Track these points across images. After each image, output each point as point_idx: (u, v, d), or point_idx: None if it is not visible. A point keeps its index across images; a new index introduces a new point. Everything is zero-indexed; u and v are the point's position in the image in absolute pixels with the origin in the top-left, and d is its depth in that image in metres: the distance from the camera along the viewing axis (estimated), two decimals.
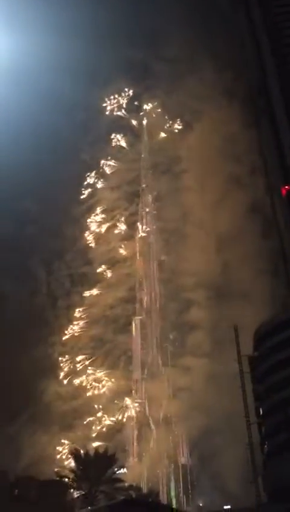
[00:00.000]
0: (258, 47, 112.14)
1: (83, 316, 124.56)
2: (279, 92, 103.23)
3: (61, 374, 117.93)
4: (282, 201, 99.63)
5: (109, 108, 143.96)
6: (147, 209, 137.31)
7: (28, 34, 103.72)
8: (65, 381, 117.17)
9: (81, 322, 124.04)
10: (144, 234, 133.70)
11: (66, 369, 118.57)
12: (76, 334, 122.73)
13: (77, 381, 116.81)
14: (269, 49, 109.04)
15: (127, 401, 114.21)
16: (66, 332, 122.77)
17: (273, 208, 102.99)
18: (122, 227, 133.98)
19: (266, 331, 77.64)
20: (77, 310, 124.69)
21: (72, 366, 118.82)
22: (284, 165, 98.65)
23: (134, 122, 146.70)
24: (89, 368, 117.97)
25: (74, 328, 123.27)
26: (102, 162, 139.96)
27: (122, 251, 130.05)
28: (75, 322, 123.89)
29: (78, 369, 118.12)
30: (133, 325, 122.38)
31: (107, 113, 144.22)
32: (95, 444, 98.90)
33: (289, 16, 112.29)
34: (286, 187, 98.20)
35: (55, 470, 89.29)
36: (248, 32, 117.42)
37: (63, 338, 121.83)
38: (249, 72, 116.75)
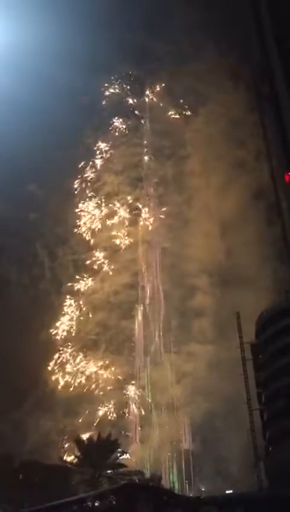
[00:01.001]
0: (261, 32, 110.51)
1: (86, 302, 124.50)
2: (282, 78, 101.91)
3: (65, 361, 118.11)
4: (286, 188, 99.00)
5: (110, 92, 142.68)
6: (149, 196, 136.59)
7: (26, 19, 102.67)
8: (69, 367, 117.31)
9: (85, 308, 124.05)
10: (146, 221, 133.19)
11: (69, 356, 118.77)
12: (79, 320, 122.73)
13: (80, 368, 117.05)
14: (272, 35, 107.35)
15: (130, 387, 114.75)
16: (70, 318, 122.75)
17: (277, 194, 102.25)
18: (125, 212, 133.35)
19: (267, 318, 77.89)
20: (81, 296, 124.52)
21: (75, 353, 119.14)
22: (288, 151, 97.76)
23: (137, 107, 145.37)
24: (92, 354, 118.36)
25: (77, 314, 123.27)
26: (105, 146, 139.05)
27: (126, 237, 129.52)
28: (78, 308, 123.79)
29: (81, 355, 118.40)
30: (138, 312, 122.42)
31: (108, 97, 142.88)
32: (98, 430, 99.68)
33: None
34: None
35: (59, 455, 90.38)
36: (251, 19, 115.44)
37: (67, 324, 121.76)
38: (252, 57, 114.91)
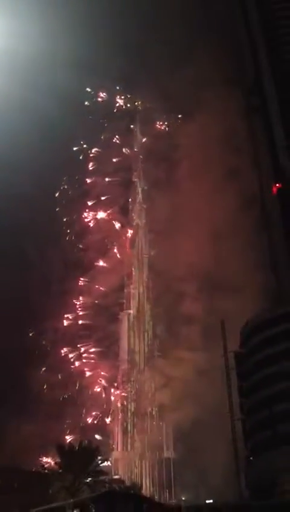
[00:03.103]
0: (254, 46, 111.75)
1: (75, 304, 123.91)
2: (273, 91, 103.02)
3: (50, 363, 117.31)
4: (273, 199, 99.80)
5: (103, 94, 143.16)
6: (138, 201, 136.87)
7: (22, 20, 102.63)
8: (54, 370, 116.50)
9: (74, 310, 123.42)
10: (136, 224, 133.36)
11: (55, 358, 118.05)
12: (68, 321, 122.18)
13: (65, 371, 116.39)
14: (265, 49, 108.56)
15: (114, 393, 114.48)
16: (58, 319, 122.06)
17: (264, 206, 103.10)
18: (116, 214, 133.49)
19: (251, 328, 78.13)
20: (70, 297, 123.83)
21: (62, 355, 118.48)
22: (276, 164, 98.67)
23: (129, 109, 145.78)
24: (79, 356, 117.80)
25: (67, 316, 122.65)
26: (97, 148, 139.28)
27: (115, 239, 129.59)
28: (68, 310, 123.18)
29: (69, 357, 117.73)
30: (124, 318, 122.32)
31: (101, 99, 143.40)
32: (80, 436, 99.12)
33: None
34: (277, 185, 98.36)
35: (39, 461, 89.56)
36: (243, 28, 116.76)
37: (55, 325, 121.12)
38: (244, 70, 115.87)
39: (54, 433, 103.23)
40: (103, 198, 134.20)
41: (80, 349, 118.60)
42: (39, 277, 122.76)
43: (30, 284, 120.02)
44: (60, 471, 74.75)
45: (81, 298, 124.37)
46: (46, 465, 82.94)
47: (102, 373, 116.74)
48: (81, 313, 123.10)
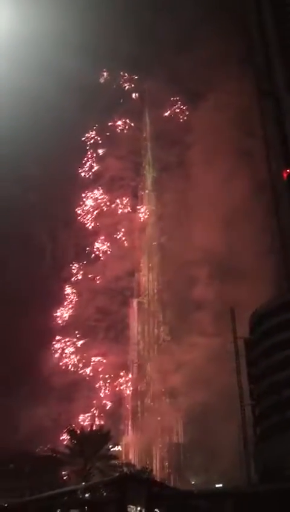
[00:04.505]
0: (263, 27, 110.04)
1: (86, 288, 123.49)
2: (283, 74, 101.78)
3: (61, 347, 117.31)
4: (284, 185, 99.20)
5: (112, 76, 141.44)
6: (149, 186, 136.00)
7: (25, 6, 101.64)
8: (65, 355, 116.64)
9: (85, 294, 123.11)
10: (146, 209, 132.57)
11: (67, 342, 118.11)
12: (79, 306, 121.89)
13: (77, 356, 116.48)
14: (275, 31, 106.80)
15: (125, 378, 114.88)
16: (69, 303, 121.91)
17: (274, 192, 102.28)
18: (127, 198, 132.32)
19: (261, 315, 78.23)
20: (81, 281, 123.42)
21: (73, 340, 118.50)
22: (287, 150, 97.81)
23: (140, 91, 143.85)
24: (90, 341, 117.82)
25: (77, 300, 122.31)
26: (107, 132, 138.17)
27: (125, 225, 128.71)
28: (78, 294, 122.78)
29: (78, 342, 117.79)
30: (134, 303, 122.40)
31: (110, 82, 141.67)
32: (91, 421, 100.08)
33: None
34: (288, 171, 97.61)
35: (51, 445, 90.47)
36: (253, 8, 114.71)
37: (66, 309, 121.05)
38: (253, 54, 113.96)
39: (65, 418, 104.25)
40: (112, 182, 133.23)
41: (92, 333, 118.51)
42: (50, 261, 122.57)
43: (40, 269, 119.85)
44: (71, 455, 75.73)
45: (90, 284, 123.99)
46: (57, 449, 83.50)
47: (112, 358, 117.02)
48: (89, 299, 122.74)
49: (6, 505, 59.11)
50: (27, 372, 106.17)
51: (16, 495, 67.27)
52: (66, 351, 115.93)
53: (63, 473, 77.38)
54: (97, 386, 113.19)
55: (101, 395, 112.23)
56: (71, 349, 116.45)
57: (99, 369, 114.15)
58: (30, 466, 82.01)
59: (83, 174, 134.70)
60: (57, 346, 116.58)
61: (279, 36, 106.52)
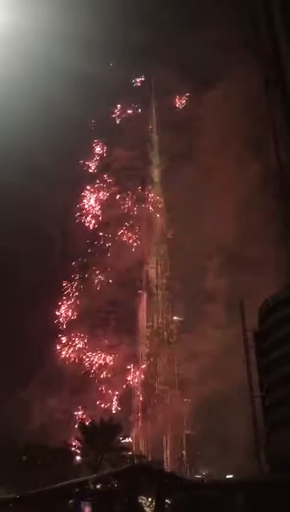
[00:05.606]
0: (270, 15, 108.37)
1: (96, 280, 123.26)
2: None
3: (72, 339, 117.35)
4: None
5: (117, 65, 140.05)
6: (157, 175, 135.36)
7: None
8: (75, 347, 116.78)
9: (95, 286, 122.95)
10: (154, 200, 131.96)
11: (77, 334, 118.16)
12: (89, 298, 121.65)
13: (87, 347, 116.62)
14: (283, 18, 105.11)
15: (134, 369, 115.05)
16: (79, 295, 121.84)
17: (284, 181, 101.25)
18: (137, 188, 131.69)
19: (270, 306, 77.86)
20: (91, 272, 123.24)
21: (84, 332, 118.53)
22: None
23: (146, 79, 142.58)
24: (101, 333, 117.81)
25: (87, 291, 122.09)
26: (115, 121, 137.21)
27: (136, 214, 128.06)
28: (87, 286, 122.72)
29: (89, 334, 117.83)
30: (144, 295, 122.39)
31: (116, 71, 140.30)
32: (101, 413, 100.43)
33: None
34: None
35: (63, 437, 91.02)
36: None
37: (76, 301, 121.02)
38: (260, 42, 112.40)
39: (77, 410, 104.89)
40: (121, 173, 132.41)
41: (101, 326, 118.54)
42: (59, 252, 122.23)
43: (50, 260, 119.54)
44: (83, 447, 76.38)
45: (99, 277, 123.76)
46: (68, 441, 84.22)
47: (122, 349, 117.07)
48: (99, 291, 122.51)
49: (18, 496, 59.74)
50: (39, 365, 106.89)
51: (29, 487, 67.84)
52: (76, 342, 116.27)
53: (75, 464, 77.98)
54: (108, 377, 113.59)
55: (111, 388, 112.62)
56: (82, 340, 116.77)
57: (110, 361, 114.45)
58: (42, 458, 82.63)
59: (91, 164, 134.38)
60: (68, 338, 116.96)
61: (287, 23, 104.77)
